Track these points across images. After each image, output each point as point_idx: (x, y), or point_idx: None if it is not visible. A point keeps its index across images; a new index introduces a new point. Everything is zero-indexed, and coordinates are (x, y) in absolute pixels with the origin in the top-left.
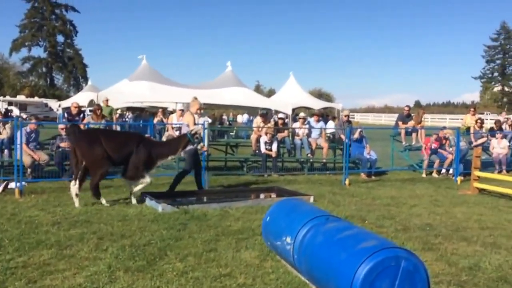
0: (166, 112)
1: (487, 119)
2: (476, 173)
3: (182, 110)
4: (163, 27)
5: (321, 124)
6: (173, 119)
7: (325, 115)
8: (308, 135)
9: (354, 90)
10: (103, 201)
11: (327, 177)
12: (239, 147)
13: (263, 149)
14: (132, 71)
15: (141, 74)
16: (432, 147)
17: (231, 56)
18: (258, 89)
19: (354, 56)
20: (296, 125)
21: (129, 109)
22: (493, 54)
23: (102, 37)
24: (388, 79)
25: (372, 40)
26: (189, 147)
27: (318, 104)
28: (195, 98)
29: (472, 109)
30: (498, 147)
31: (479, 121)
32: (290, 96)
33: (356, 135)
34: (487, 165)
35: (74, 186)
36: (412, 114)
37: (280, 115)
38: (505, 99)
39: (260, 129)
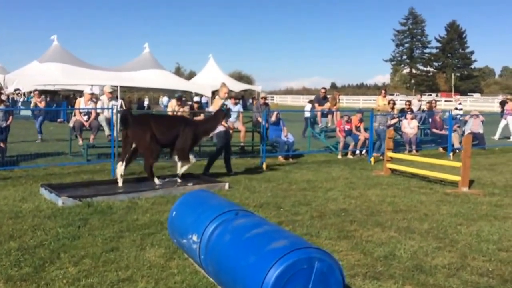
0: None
1: (397, 100)
2: (389, 154)
3: (92, 94)
4: (77, 6)
5: (239, 107)
6: (81, 103)
7: (243, 97)
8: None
9: (274, 72)
10: (157, 181)
11: (244, 161)
12: None
13: None
14: (43, 53)
15: (52, 56)
16: (346, 129)
17: (149, 38)
18: (178, 72)
19: (273, 39)
20: (211, 108)
21: (42, 92)
22: (402, 38)
23: (12, 17)
24: (306, 62)
25: (290, 24)
26: (219, 130)
27: (238, 87)
28: (224, 84)
29: (383, 91)
30: (409, 127)
31: (391, 102)
32: (210, 78)
33: (273, 118)
34: (398, 145)
35: (120, 167)
36: (328, 96)
37: (196, 98)
38: (413, 81)
39: (175, 113)
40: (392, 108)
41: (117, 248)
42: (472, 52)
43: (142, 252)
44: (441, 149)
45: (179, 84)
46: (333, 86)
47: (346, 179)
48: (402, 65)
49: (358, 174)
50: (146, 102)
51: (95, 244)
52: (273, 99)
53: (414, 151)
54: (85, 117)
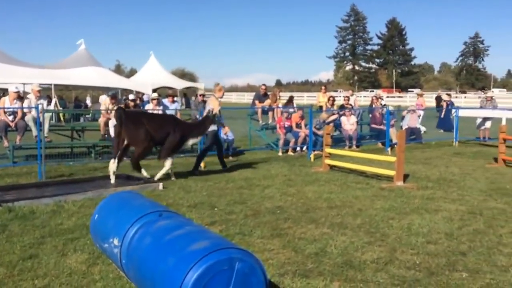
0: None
1: (340, 97)
2: (327, 150)
3: (18, 92)
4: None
5: (176, 105)
6: (6, 102)
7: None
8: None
9: (218, 69)
10: (144, 173)
11: (183, 160)
12: (88, 131)
13: (112, 133)
14: None
15: None
16: (286, 126)
17: (85, 35)
18: (119, 69)
19: (217, 35)
20: (149, 106)
21: None
22: (344, 35)
23: None
24: (251, 59)
25: (235, 20)
26: (212, 128)
27: (180, 84)
28: (218, 84)
29: (323, 88)
30: (348, 123)
31: (331, 99)
32: (151, 76)
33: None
34: (338, 141)
35: (113, 164)
36: (269, 93)
37: (131, 96)
38: (355, 77)
39: (109, 111)
40: (332, 105)
41: (36, 255)
42: (412, 49)
43: (63, 258)
44: (380, 144)
45: (119, 82)
46: (278, 83)
47: (285, 176)
48: (345, 62)
49: (297, 171)
50: (88, 101)
51: (12, 252)
52: None
53: (354, 147)
54: (11, 117)
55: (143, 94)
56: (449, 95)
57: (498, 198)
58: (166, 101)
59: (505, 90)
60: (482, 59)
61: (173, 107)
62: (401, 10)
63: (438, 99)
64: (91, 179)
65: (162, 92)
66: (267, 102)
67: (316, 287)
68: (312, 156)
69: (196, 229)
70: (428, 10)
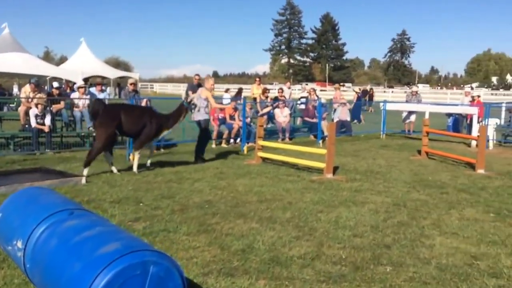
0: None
1: (275, 89)
2: (260, 142)
3: None
4: None
5: (104, 94)
6: None
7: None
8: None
9: (155, 59)
10: (85, 172)
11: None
12: (8, 121)
13: (33, 123)
14: None
15: None
16: (219, 117)
17: (9, 18)
18: (48, 56)
19: (154, 25)
20: (75, 95)
21: None
22: (280, 28)
23: None
24: (188, 49)
25: (172, 11)
26: (205, 118)
27: (114, 73)
28: (209, 76)
29: (257, 80)
30: (281, 115)
31: (266, 91)
32: (81, 64)
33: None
34: (272, 133)
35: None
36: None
37: (55, 84)
38: (291, 71)
39: (29, 100)
40: (266, 97)
41: None
42: (344, 44)
43: None
44: (312, 137)
45: (46, 69)
46: (215, 74)
47: (217, 169)
48: (281, 55)
49: (229, 163)
50: (15, 89)
51: None
52: (152, 87)
53: (287, 139)
54: None
55: (74, 83)
56: (359, 88)
57: (420, 189)
58: (94, 90)
59: (428, 85)
60: (408, 56)
61: (101, 96)
62: (334, 6)
63: (364, 92)
64: (6, 173)
65: (94, 81)
66: None
67: (240, 286)
68: (245, 148)
69: (109, 229)
70: (360, 6)
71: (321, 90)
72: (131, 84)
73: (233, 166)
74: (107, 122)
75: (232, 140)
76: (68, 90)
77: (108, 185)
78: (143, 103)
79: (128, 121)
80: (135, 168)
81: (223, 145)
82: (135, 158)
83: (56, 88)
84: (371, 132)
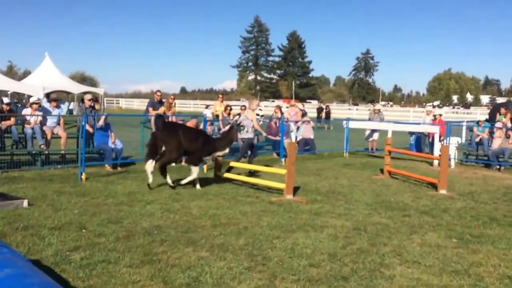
0: None
1: (245, 107)
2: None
3: None
4: None
5: (59, 110)
6: None
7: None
8: (42, 123)
9: (122, 75)
10: (169, 180)
11: (64, 171)
12: None
13: None
14: None
15: None
16: None
17: None
18: (11, 71)
19: (123, 41)
20: (27, 111)
21: None
22: (248, 45)
23: None
24: (156, 65)
25: (140, 27)
26: (248, 137)
27: (78, 88)
28: (254, 98)
29: (220, 96)
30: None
31: (228, 108)
32: (45, 79)
33: (100, 123)
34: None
35: (151, 164)
36: (164, 100)
37: (5, 100)
38: (258, 87)
39: None
40: (229, 114)
41: None
42: (310, 62)
43: None
44: (275, 155)
45: (7, 84)
46: (183, 90)
47: (173, 189)
48: (248, 72)
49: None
50: None
51: None
52: (118, 102)
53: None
54: None
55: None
56: (303, 104)
57: (382, 212)
58: (48, 105)
59: (390, 103)
60: (372, 74)
61: (55, 112)
62: (301, 24)
63: (319, 110)
64: None
65: (59, 96)
66: (161, 109)
67: None
68: (205, 167)
69: (16, 272)
70: (326, 25)
71: (287, 107)
72: (88, 99)
73: (190, 186)
74: (170, 135)
75: None
76: (18, 105)
77: (52, 209)
78: (101, 121)
79: (186, 139)
80: (185, 181)
81: (183, 163)
82: (192, 173)
83: (7, 104)
84: (335, 150)
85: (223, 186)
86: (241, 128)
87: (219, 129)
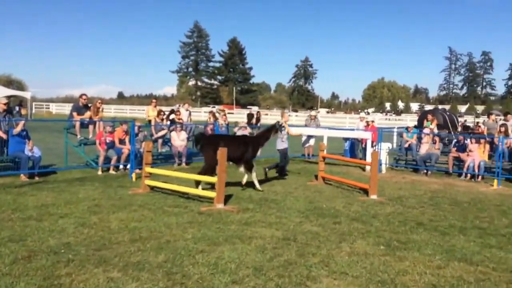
0: None
1: (180, 112)
2: (148, 169)
3: None
4: None
5: None
6: None
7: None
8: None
9: (54, 78)
10: (200, 188)
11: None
12: None
13: None
14: None
15: None
16: (108, 141)
17: None
18: None
19: (56, 43)
20: None
21: None
22: (187, 50)
23: None
24: (92, 69)
25: (73, 29)
26: (283, 147)
27: (3, 92)
28: (284, 111)
29: (153, 101)
30: (178, 139)
31: (161, 113)
32: None
33: (18, 129)
34: (169, 158)
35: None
36: (90, 105)
37: None
38: (198, 93)
39: None
40: (162, 120)
41: None
42: (251, 68)
43: None
44: None
45: None
46: (120, 95)
47: (93, 200)
48: (188, 77)
49: (112, 193)
50: None
51: None
52: (48, 107)
53: (183, 164)
54: None
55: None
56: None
57: (314, 219)
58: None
59: (327, 110)
60: (311, 81)
61: None
62: (241, 31)
63: (249, 116)
64: None
65: None
66: (87, 114)
67: None
68: (133, 175)
69: None
70: (267, 32)
71: (228, 113)
72: (4, 104)
73: (115, 196)
74: (209, 148)
75: (121, 166)
76: None
77: None
78: (18, 127)
79: (229, 149)
80: (256, 184)
81: (111, 171)
82: (252, 177)
83: None
84: (271, 156)
85: (150, 196)
86: (283, 128)
87: (151, 134)
